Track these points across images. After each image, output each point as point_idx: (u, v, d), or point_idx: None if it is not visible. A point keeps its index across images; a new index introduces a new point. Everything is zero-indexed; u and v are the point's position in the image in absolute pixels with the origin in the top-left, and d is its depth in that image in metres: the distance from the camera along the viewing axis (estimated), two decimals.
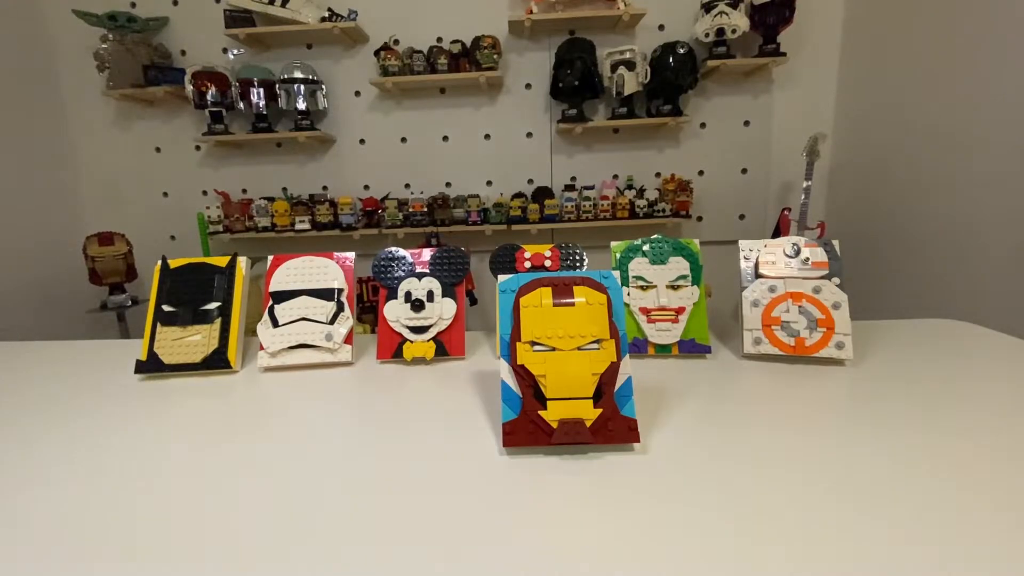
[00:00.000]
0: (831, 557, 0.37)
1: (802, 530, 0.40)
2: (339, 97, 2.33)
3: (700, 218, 2.35)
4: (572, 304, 0.57)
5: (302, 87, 2.19)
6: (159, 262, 0.85)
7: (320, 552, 0.39)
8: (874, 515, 0.41)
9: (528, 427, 0.53)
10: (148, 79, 2.19)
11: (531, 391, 0.54)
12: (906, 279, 1.84)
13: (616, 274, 0.61)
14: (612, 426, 0.52)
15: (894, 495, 0.44)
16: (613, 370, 0.54)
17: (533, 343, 0.56)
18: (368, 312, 2.28)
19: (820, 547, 0.38)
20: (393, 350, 0.81)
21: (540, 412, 0.52)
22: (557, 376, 0.54)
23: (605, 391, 0.54)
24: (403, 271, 0.84)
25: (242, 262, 0.86)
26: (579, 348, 0.55)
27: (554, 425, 0.52)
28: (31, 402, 0.72)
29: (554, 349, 0.55)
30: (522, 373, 0.55)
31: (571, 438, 0.51)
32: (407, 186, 2.40)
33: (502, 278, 0.61)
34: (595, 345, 0.55)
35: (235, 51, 2.31)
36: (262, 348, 0.80)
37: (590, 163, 2.34)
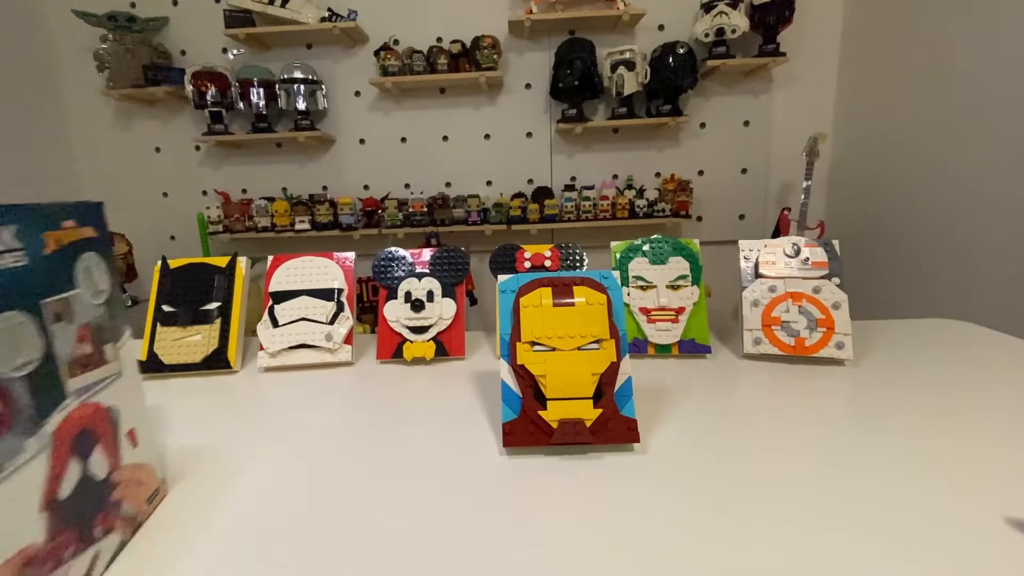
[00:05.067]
0: (830, 557, 0.37)
1: (801, 530, 0.40)
2: (339, 97, 2.33)
3: (700, 218, 2.36)
4: (572, 304, 0.57)
5: (302, 87, 2.19)
6: (159, 262, 0.85)
7: (318, 551, 0.39)
8: (874, 515, 0.41)
9: (528, 427, 0.53)
10: (148, 79, 2.19)
11: (531, 391, 0.54)
12: (906, 279, 1.85)
13: (616, 274, 0.61)
14: (612, 426, 0.52)
15: (894, 495, 0.44)
16: (613, 370, 0.54)
17: (533, 343, 0.56)
18: (368, 312, 2.28)
19: (819, 547, 0.38)
20: (393, 350, 0.81)
21: (540, 412, 0.52)
22: (557, 376, 0.54)
23: (605, 391, 0.54)
24: (403, 271, 0.84)
25: (242, 262, 0.86)
26: (579, 348, 0.55)
27: (554, 425, 0.52)
28: None
29: (554, 349, 0.55)
30: (522, 373, 0.55)
31: (571, 438, 0.51)
32: (407, 186, 2.40)
33: (502, 278, 0.61)
34: (595, 345, 0.55)
35: (235, 51, 2.31)
36: (262, 348, 0.80)
37: (590, 163, 2.34)
